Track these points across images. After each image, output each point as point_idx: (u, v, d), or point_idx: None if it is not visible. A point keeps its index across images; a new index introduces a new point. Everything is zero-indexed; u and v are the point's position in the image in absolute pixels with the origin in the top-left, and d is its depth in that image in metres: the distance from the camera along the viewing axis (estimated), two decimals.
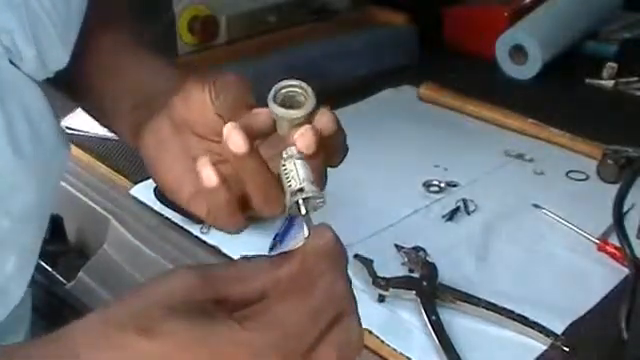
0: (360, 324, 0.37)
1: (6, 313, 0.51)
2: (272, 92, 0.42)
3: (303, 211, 0.39)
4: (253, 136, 0.43)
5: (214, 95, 0.47)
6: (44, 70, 0.48)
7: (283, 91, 0.42)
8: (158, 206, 0.78)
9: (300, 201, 0.39)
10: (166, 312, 0.33)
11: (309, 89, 0.42)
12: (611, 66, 1.13)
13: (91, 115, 0.61)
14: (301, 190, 0.39)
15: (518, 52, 1.14)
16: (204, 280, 0.35)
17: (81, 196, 0.84)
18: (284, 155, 0.41)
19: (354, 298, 0.37)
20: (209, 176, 0.44)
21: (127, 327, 0.33)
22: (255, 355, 0.33)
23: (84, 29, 0.53)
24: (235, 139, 0.41)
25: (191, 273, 0.35)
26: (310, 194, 0.39)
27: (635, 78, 1.12)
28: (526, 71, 1.15)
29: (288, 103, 0.42)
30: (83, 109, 0.62)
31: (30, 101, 0.47)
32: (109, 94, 0.56)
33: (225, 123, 0.45)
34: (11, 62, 0.45)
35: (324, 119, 0.42)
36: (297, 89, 0.42)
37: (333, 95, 1.03)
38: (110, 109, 0.56)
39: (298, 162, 0.41)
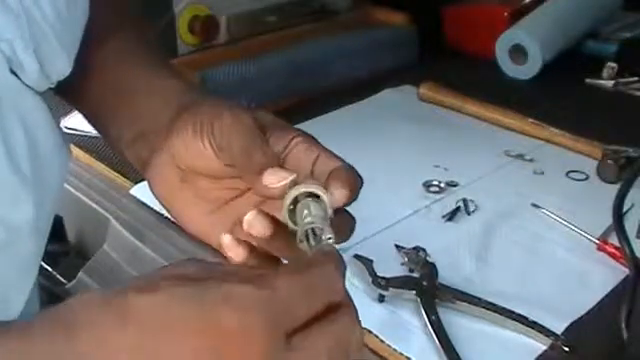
0: (361, 326, 0.37)
1: None
2: (286, 204, 0.43)
3: (312, 243, 0.40)
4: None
5: (216, 145, 0.46)
6: (46, 80, 0.47)
7: (296, 197, 0.43)
8: (158, 206, 0.77)
9: (309, 232, 0.41)
10: (164, 277, 0.35)
11: (324, 193, 0.42)
12: (611, 66, 1.13)
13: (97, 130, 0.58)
14: (311, 223, 0.41)
15: (518, 52, 1.14)
16: (204, 267, 0.36)
17: (81, 196, 0.84)
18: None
19: (351, 300, 0.37)
20: (237, 254, 0.45)
21: (127, 290, 0.34)
22: (242, 308, 0.33)
23: (87, 40, 0.51)
24: (258, 227, 0.43)
25: (193, 261, 0.37)
26: (319, 226, 0.41)
27: (635, 78, 1.12)
28: (526, 71, 1.15)
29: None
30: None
31: (30, 112, 0.46)
32: (116, 120, 0.54)
33: (235, 167, 0.45)
34: (12, 72, 0.44)
35: (337, 195, 0.43)
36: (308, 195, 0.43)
37: (333, 95, 1.06)
38: (115, 136, 0.54)
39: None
